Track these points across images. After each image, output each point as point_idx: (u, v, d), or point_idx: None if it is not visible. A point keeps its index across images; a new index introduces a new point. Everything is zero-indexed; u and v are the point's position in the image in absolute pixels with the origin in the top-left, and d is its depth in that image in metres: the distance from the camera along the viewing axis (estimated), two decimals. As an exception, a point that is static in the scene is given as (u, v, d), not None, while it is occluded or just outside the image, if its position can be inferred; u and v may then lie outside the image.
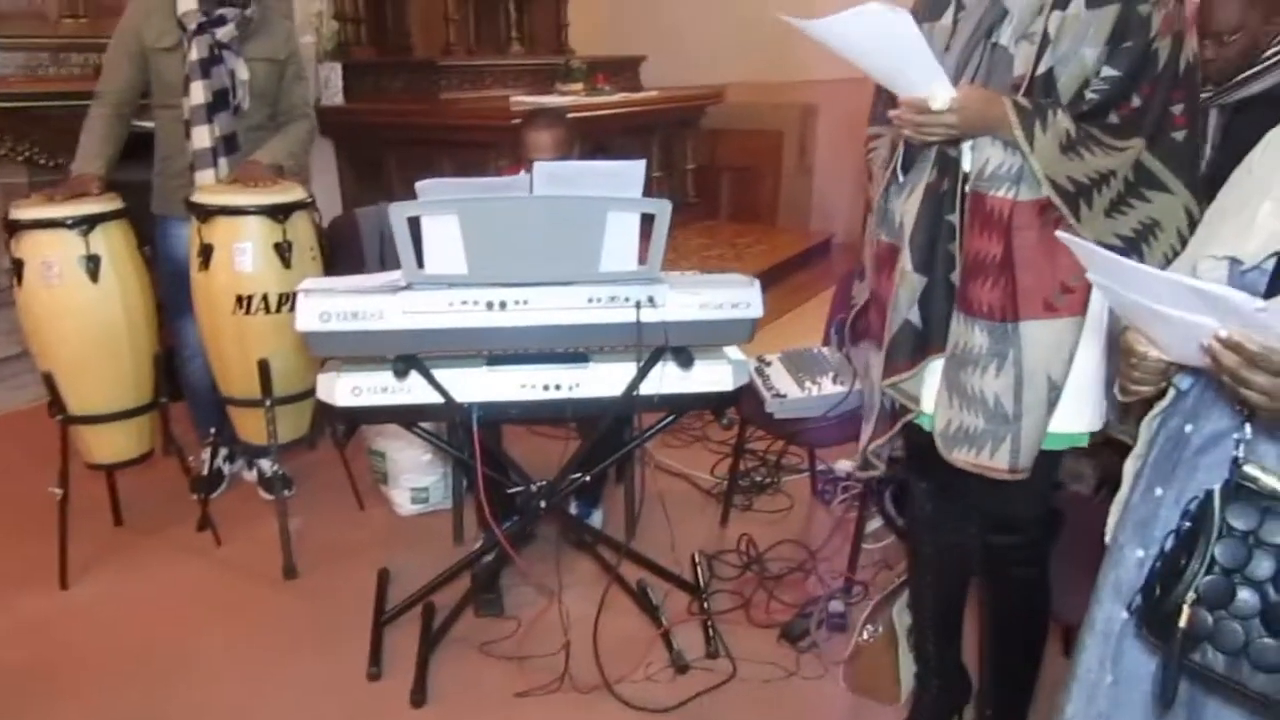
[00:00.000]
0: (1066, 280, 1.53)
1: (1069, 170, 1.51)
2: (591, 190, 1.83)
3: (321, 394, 2.00)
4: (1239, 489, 1.05)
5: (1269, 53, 2.14)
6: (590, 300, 1.94)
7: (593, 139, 5.34)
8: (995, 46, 1.59)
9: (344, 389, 1.96)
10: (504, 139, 4.63)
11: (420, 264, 1.85)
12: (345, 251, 3.19)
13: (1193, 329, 1.00)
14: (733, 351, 2.13)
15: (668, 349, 1.98)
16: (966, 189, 1.60)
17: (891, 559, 2.53)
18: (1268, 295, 1.07)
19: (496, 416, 2.10)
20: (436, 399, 1.98)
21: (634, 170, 1.83)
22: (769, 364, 2.64)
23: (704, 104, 6.26)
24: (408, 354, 1.93)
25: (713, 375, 2.08)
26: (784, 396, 2.45)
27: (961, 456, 1.63)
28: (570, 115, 4.87)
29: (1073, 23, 1.51)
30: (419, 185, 1.80)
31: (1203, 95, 2.19)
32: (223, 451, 2.93)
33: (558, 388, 2.03)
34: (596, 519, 2.72)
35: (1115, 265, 1.05)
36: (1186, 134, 1.56)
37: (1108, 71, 1.50)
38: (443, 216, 1.79)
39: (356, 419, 2.11)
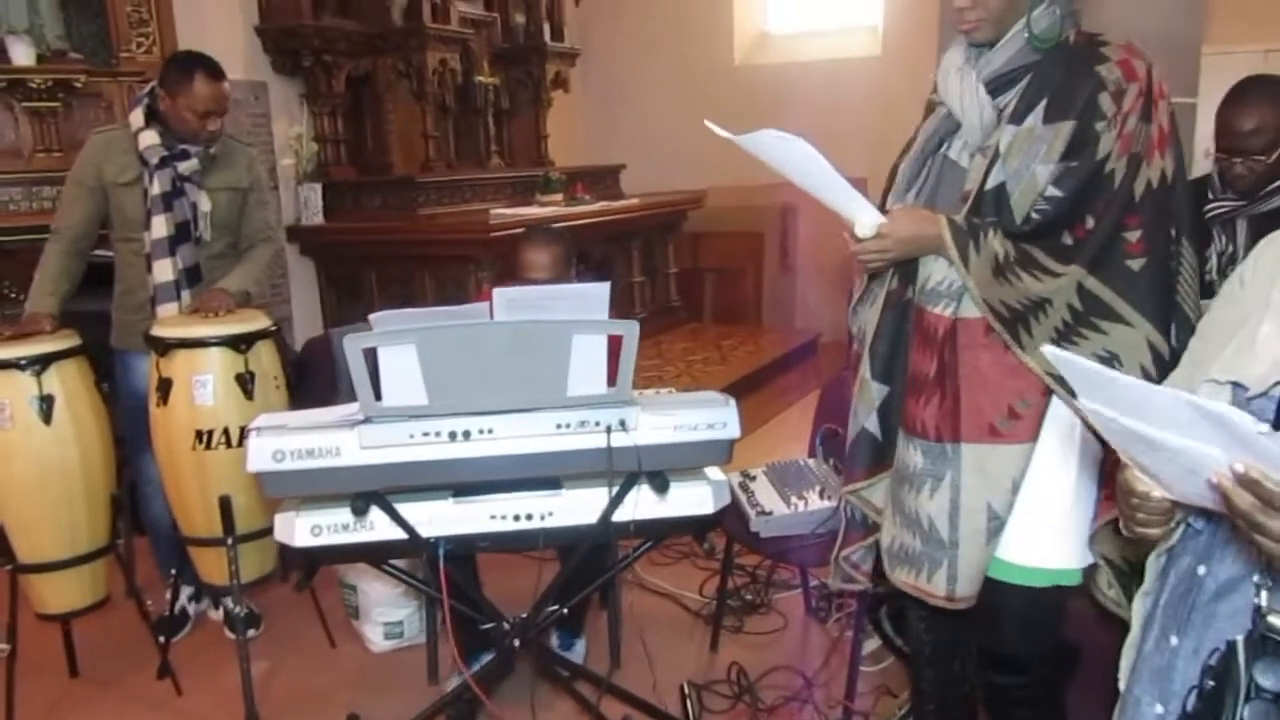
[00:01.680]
0: (1015, 405, 1.46)
1: (1002, 294, 1.45)
2: (555, 314, 1.76)
3: (279, 535, 1.89)
4: (1264, 641, 0.95)
5: None
6: (559, 426, 1.85)
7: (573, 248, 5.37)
8: (946, 159, 1.55)
9: (303, 529, 1.86)
10: (483, 252, 4.64)
11: (378, 396, 1.77)
12: (319, 374, 3.12)
13: (1195, 460, 0.91)
14: (713, 472, 2.04)
15: (641, 474, 1.89)
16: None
17: (893, 683, 2.39)
18: (1277, 425, 0.99)
19: (466, 550, 2.00)
20: (402, 535, 1.88)
21: (598, 292, 1.78)
22: (753, 478, 2.54)
23: (685, 208, 6.31)
24: (369, 491, 1.84)
25: (692, 498, 1.98)
26: (769, 514, 2.35)
27: (901, 577, 1.54)
28: (564, 228, 4.94)
29: (1026, 138, 1.47)
30: (373, 317, 1.73)
31: (1230, 206, 2.16)
32: (187, 590, 2.80)
33: (529, 517, 1.94)
34: (579, 649, 2.58)
35: (1107, 381, 0.96)
36: (1146, 262, 1.47)
37: (1052, 191, 1.45)
38: (399, 346, 1.72)
39: (317, 560, 1.99)
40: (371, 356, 1.75)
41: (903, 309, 1.62)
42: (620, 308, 5.82)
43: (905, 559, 1.58)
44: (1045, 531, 1.54)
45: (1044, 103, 1.49)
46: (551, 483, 1.95)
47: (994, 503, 1.51)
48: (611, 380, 1.85)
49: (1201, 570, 1.08)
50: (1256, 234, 2.12)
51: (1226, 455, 0.87)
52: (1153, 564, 1.19)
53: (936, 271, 1.52)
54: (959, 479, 1.51)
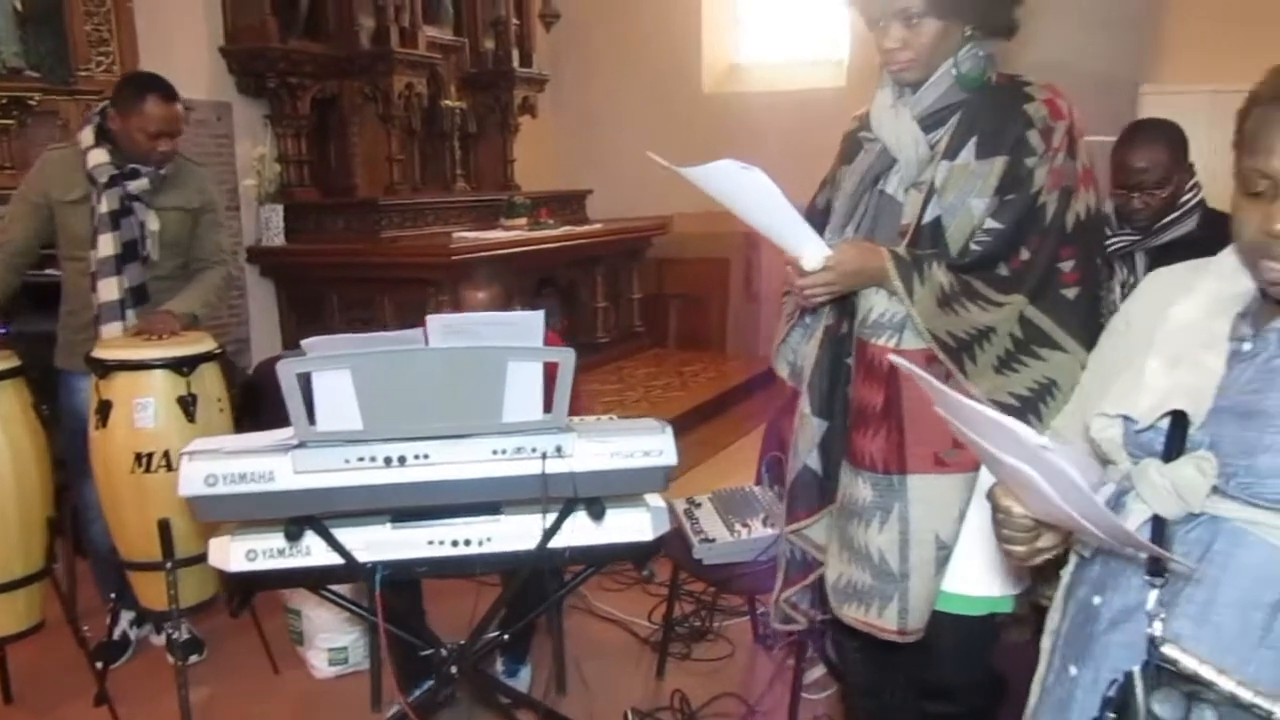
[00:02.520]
0: (959, 436, 1.48)
1: (947, 325, 1.48)
2: (490, 341, 1.77)
3: (214, 560, 1.88)
4: (1160, 671, 0.96)
5: (1184, 199, 2.29)
6: (495, 452, 1.85)
7: (536, 272, 5.39)
8: (882, 194, 1.58)
9: (238, 553, 1.85)
10: (444, 276, 4.64)
11: (313, 421, 1.77)
12: (272, 397, 3.10)
13: (1026, 478, 0.94)
14: (653, 499, 2.05)
15: (577, 500, 1.89)
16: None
17: (836, 711, 2.40)
18: (1166, 456, 1.02)
19: (404, 575, 1.99)
20: (339, 560, 1.87)
21: (532, 320, 1.79)
22: (699, 505, 2.56)
23: (650, 234, 6.34)
24: (304, 515, 1.83)
25: (631, 525, 1.98)
26: (712, 541, 2.36)
27: (851, 613, 1.55)
28: (515, 253, 4.96)
29: (960, 173, 1.51)
30: (305, 343, 1.73)
31: (1128, 240, 2.26)
32: (128, 616, 2.76)
33: (468, 543, 1.94)
34: (524, 676, 2.57)
35: (941, 395, 0.99)
36: (1080, 291, 1.51)
37: (991, 224, 1.49)
38: (334, 372, 1.72)
39: (253, 585, 1.98)
40: (306, 381, 1.75)
41: (839, 343, 1.64)
42: (583, 332, 5.87)
43: (854, 595, 1.58)
44: (982, 560, 1.56)
45: (975, 139, 1.53)
46: (490, 508, 1.95)
47: (941, 532, 1.53)
48: (548, 407, 1.87)
49: (1097, 600, 1.10)
50: (1154, 265, 2.22)
51: (1031, 468, 0.90)
52: (1056, 598, 1.21)
53: (878, 304, 1.55)
54: (907, 511, 1.53)
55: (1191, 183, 2.31)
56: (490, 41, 6.12)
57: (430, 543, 1.92)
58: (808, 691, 2.41)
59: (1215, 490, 0.99)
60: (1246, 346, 1.04)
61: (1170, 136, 2.30)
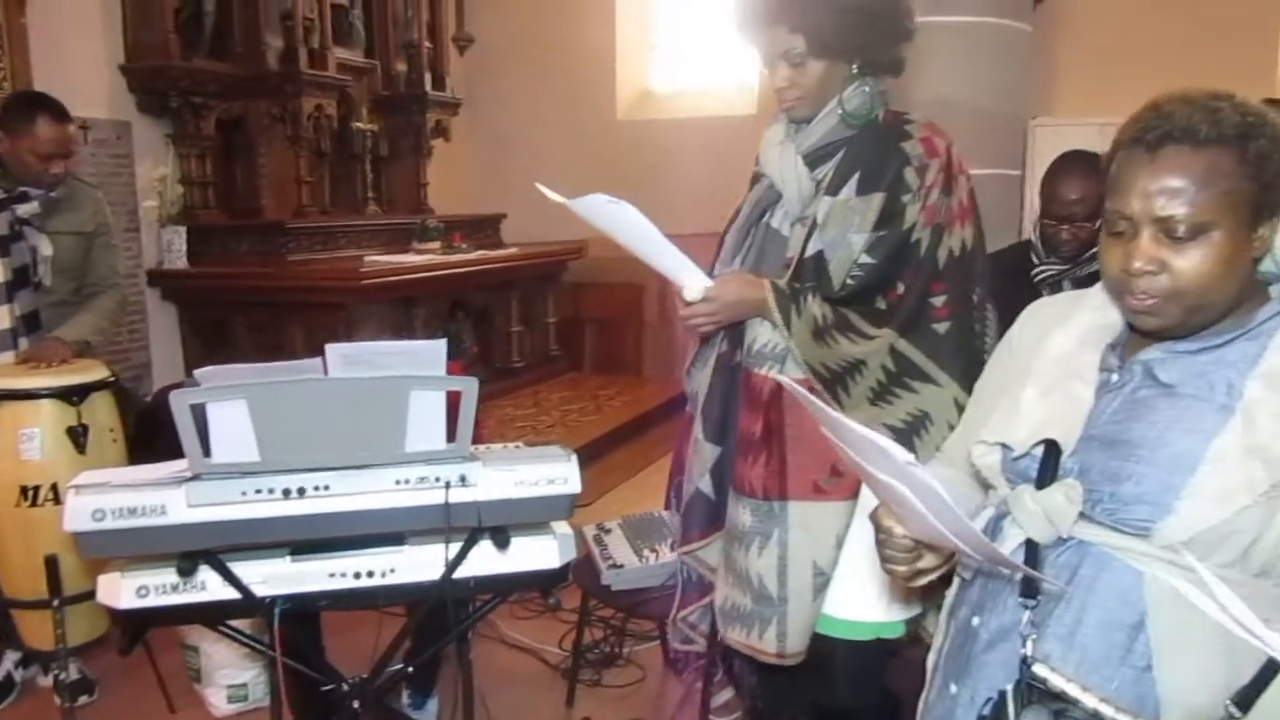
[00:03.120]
0: (837, 463, 1.52)
1: (821, 356, 1.52)
2: (391, 370, 1.76)
3: (103, 596, 1.82)
4: (1031, 689, 1.01)
5: None
6: (398, 482, 1.84)
7: (449, 296, 5.35)
8: (768, 228, 1.63)
9: (128, 590, 1.79)
10: (354, 300, 4.58)
11: (207, 452, 1.73)
12: (169, 427, 3.01)
13: (892, 491, 0.98)
14: (560, 526, 2.05)
15: (481, 529, 1.89)
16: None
17: (743, 733, 2.42)
18: (1039, 483, 1.06)
19: (304, 609, 1.95)
20: (235, 595, 1.83)
21: (434, 349, 1.79)
22: (608, 531, 2.57)
23: (565, 259, 6.35)
24: (198, 550, 1.78)
25: (537, 553, 1.98)
26: (621, 567, 2.37)
27: (734, 636, 1.59)
28: (427, 276, 4.92)
29: (841, 209, 1.56)
30: (199, 373, 1.70)
31: (1055, 270, 2.32)
32: (13, 656, 2.64)
33: (370, 575, 1.91)
34: (431, 709, 2.53)
35: (823, 414, 1.03)
36: (951, 325, 1.57)
37: (865, 259, 1.54)
38: (230, 402, 1.69)
39: (145, 623, 1.91)
40: (201, 412, 1.71)
41: (732, 371, 1.67)
42: (498, 357, 5.84)
43: (737, 617, 1.62)
44: (868, 586, 1.60)
45: (857, 176, 1.58)
46: (393, 539, 1.93)
47: (819, 559, 1.56)
48: (451, 436, 1.86)
49: (976, 621, 1.14)
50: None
51: (913, 497, 0.94)
52: (941, 619, 1.26)
53: (762, 334, 1.59)
54: (786, 536, 1.56)
55: None
56: (403, 64, 6.08)
57: (332, 575, 1.89)
58: (716, 714, 2.43)
59: (1083, 516, 1.03)
60: (1114, 377, 1.09)
61: (1086, 164, 2.30)
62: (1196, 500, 0.96)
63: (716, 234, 1.90)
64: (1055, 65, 5.70)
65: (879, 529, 1.12)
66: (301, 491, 1.79)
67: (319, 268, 4.78)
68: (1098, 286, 1.17)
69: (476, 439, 1.98)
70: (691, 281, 1.57)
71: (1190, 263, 0.98)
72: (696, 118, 6.69)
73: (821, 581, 1.57)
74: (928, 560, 1.13)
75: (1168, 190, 0.98)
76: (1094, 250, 2.27)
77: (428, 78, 6.11)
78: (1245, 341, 1.02)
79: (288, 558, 1.87)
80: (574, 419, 5.17)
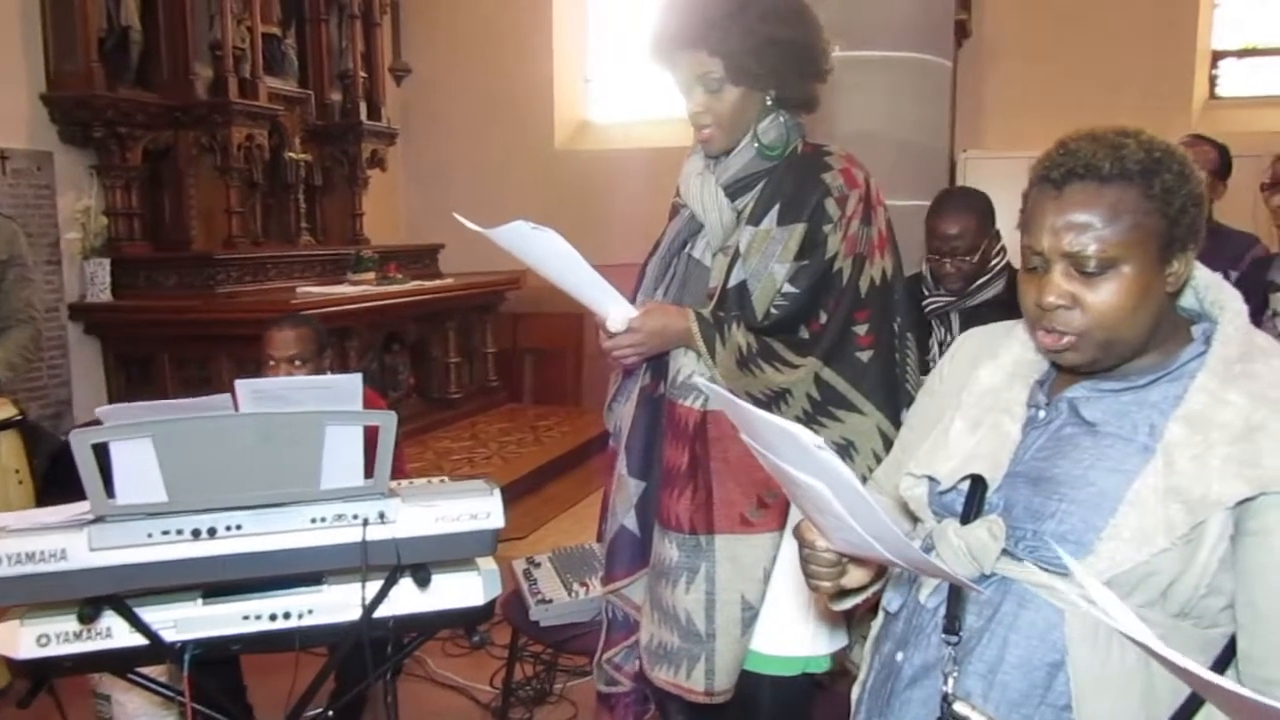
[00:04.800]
0: (763, 495, 1.51)
1: (746, 385, 1.52)
2: (305, 405, 1.72)
3: (1, 647, 1.74)
4: None
5: (992, 263, 2.42)
6: (313, 521, 1.79)
7: (384, 328, 5.28)
8: (690, 258, 1.63)
9: (28, 639, 1.71)
10: (284, 333, 4.49)
11: (111, 493, 1.67)
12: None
13: (818, 496, 0.97)
14: (485, 562, 2.01)
15: (401, 567, 1.84)
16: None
17: (675, 769, 2.39)
18: (964, 518, 1.06)
19: (218, 653, 1.88)
20: (143, 641, 1.76)
21: (350, 384, 1.75)
22: (538, 566, 2.53)
23: (503, 289, 6.32)
24: (102, 595, 1.71)
25: (460, 590, 1.94)
26: (549, 602, 2.33)
27: (661, 675, 1.56)
28: (361, 308, 4.85)
29: (763, 239, 1.56)
30: (100, 411, 1.64)
31: (943, 301, 2.38)
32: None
33: (287, 616, 1.85)
34: (356, 752, 2.46)
35: (737, 410, 1.02)
36: (874, 354, 1.58)
37: (788, 288, 1.55)
38: (134, 441, 1.63)
39: (46, 672, 1.83)
40: (104, 452, 1.65)
41: (656, 404, 1.66)
42: (435, 389, 5.78)
43: (664, 656, 1.59)
44: (794, 620, 1.59)
45: (778, 206, 1.59)
46: (311, 579, 1.87)
47: (747, 593, 1.54)
48: (370, 472, 1.82)
49: (899, 657, 1.13)
50: (967, 324, 2.37)
51: (826, 489, 0.93)
52: (866, 652, 1.25)
53: (686, 365, 1.58)
54: (714, 571, 1.54)
55: (998, 247, 2.46)
56: (337, 94, 6.03)
57: (246, 618, 1.83)
58: (649, 751, 2.39)
59: (1006, 553, 1.03)
60: (1041, 414, 1.09)
61: (977, 205, 2.44)
62: (1116, 541, 0.96)
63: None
64: (984, 99, 5.86)
65: (802, 543, 1.11)
66: (212, 532, 1.73)
67: (249, 300, 4.68)
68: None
69: (398, 473, 1.94)
70: (615, 312, 1.56)
71: (1101, 297, 0.99)
72: (634, 149, 6.73)
73: (750, 616, 1.55)
74: (853, 576, 1.12)
75: (1075, 226, 0.99)
76: (980, 282, 2.40)
77: (363, 107, 6.08)
78: (1167, 383, 1.02)
79: (199, 601, 1.81)
80: (512, 450, 5.12)
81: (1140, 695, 0.97)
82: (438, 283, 5.83)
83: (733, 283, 1.57)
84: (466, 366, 6.03)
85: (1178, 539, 0.95)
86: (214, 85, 4.92)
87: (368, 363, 5.12)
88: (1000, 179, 2.62)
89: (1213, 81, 6.00)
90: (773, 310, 1.56)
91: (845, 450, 1.55)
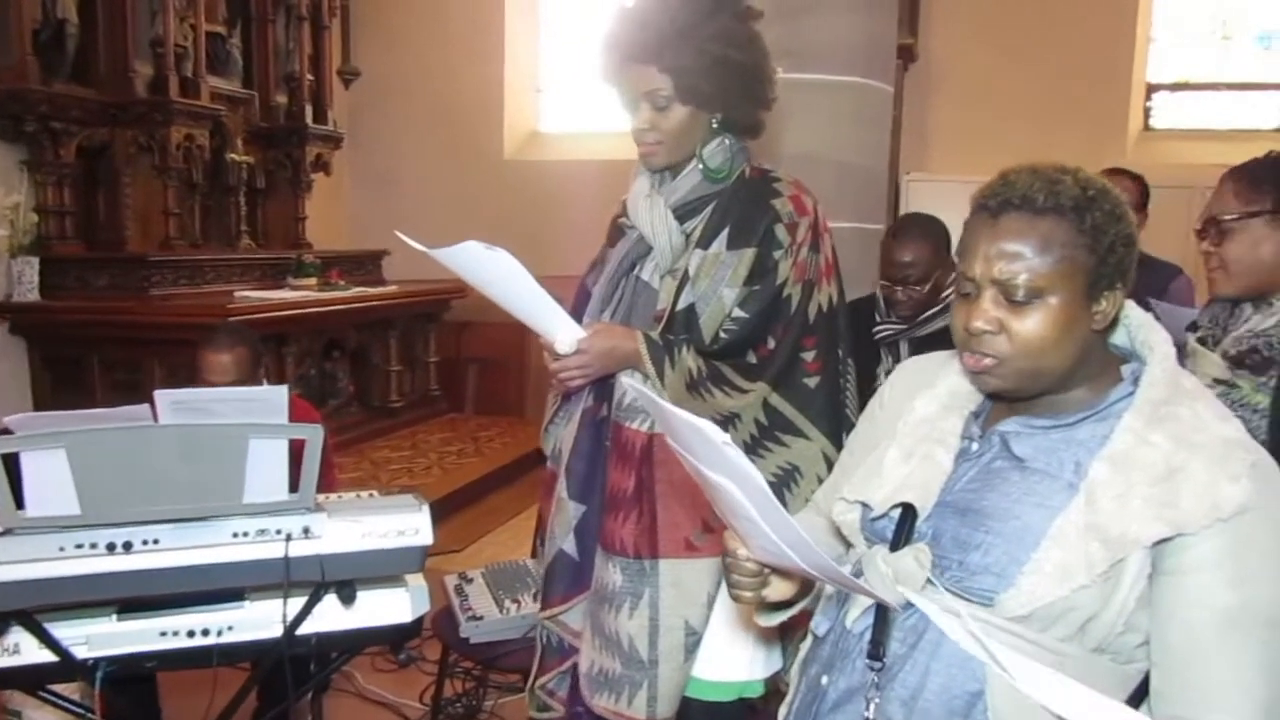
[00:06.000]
0: (708, 518, 1.51)
1: (695, 409, 1.52)
2: (228, 417, 1.68)
3: (-99, 665, 1.67)
4: None
5: (946, 293, 2.38)
6: (235, 535, 1.75)
7: (325, 334, 5.20)
8: (638, 280, 1.62)
9: (-69, 655, 1.65)
10: (220, 337, 4.40)
11: (21, 505, 1.61)
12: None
13: (732, 499, 0.97)
14: (413, 578, 1.98)
15: (326, 584, 1.81)
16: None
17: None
18: (894, 545, 1.07)
19: (133, 671, 1.83)
20: (54, 658, 1.70)
21: (275, 396, 1.71)
22: (470, 581, 2.50)
23: (448, 297, 6.26)
24: (10, 610, 1.65)
25: (387, 607, 1.90)
26: (480, 619, 2.31)
27: (602, 703, 1.54)
28: (302, 313, 4.76)
29: (713, 262, 1.56)
30: (10, 420, 1.59)
31: (893, 329, 2.38)
32: None
33: (206, 633, 1.80)
34: (279, 771, 2.40)
35: (659, 410, 1.02)
36: (821, 380, 1.59)
37: (738, 313, 1.55)
38: (46, 452, 1.58)
39: (-52, 689, 1.77)
40: (14, 462, 1.60)
41: (598, 426, 1.65)
42: (376, 397, 5.70)
43: (605, 683, 1.57)
44: (732, 645, 1.58)
45: (727, 230, 1.59)
46: (232, 595, 1.83)
47: (691, 618, 1.54)
48: (295, 486, 1.78)
49: (825, 680, 1.14)
50: (916, 352, 2.37)
51: (735, 487, 0.93)
52: (794, 674, 1.25)
53: (629, 387, 1.57)
54: (657, 596, 1.53)
55: (952, 277, 2.42)
56: (283, 96, 5.94)
57: (163, 634, 1.78)
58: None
59: (931, 582, 1.04)
60: (974, 446, 1.11)
61: (933, 233, 2.41)
62: (1037, 576, 0.97)
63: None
64: (929, 123, 5.97)
65: (725, 553, 1.12)
66: (128, 546, 1.68)
67: (184, 303, 4.58)
68: None
69: (329, 484, 1.91)
70: (564, 334, 1.54)
71: (1027, 326, 1.01)
72: (584, 160, 6.72)
73: (693, 642, 1.55)
74: (775, 589, 1.13)
75: (1007, 254, 1.01)
76: (930, 312, 2.38)
77: (309, 110, 5.99)
78: (1095, 422, 1.04)
79: (113, 617, 1.76)
80: (452, 461, 5.07)
81: None
82: (381, 290, 5.76)
83: (681, 306, 1.57)
84: (408, 375, 5.96)
85: (1097, 576, 0.96)
86: (154, 83, 4.82)
87: (306, 370, 5.04)
88: (944, 203, 2.66)
89: (1147, 113, 6.17)
90: (722, 334, 1.56)
91: (790, 475, 1.55)
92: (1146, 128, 6.17)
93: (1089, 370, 1.06)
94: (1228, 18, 6.03)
